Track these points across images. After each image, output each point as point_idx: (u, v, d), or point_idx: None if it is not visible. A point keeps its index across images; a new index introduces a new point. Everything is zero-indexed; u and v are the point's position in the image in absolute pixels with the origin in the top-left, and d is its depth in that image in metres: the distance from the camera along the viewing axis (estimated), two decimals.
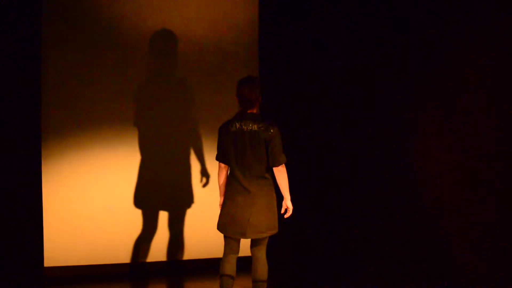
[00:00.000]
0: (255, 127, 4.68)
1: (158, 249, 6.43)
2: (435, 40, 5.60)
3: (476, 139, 5.20)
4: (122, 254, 6.32)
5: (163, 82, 6.43)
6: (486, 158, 5.12)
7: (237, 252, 4.81)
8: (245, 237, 4.71)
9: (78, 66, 6.15)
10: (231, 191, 4.73)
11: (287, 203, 4.81)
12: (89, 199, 6.21)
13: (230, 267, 4.77)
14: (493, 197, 5.05)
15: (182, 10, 6.44)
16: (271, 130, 4.68)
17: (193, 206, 6.48)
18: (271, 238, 4.83)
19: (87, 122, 6.18)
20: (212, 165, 6.31)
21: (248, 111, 4.72)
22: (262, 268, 4.79)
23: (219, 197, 4.94)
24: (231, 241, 4.78)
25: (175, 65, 6.46)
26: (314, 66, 6.83)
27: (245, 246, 4.97)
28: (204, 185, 6.45)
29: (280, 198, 4.83)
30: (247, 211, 4.67)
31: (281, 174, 4.76)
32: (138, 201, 6.33)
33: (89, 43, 6.18)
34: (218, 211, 4.91)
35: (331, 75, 6.74)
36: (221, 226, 4.78)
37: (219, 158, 4.82)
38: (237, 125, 4.69)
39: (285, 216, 4.84)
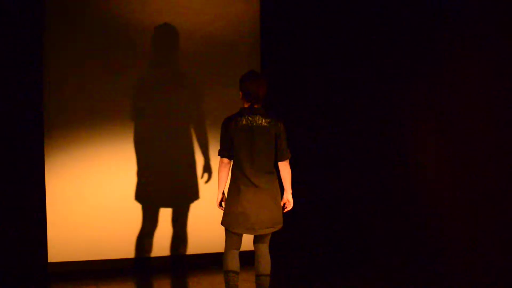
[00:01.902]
0: (264, 122, 4.67)
1: (162, 244, 6.44)
2: (433, 41, 5.61)
3: (473, 138, 5.22)
4: (126, 249, 6.34)
5: (165, 78, 6.43)
6: (482, 156, 5.13)
7: (240, 247, 4.81)
8: (254, 232, 4.69)
9: (80, 63, 6.15)
10: (238, 186, 4.67)
11: (289, 197, 4.82)
12: (93, 194, 6.22)
13: (234, 263, 4.76)
14: (490, 195, 5.07)
15: (183, 6, 6.43)
16: (279, 125, 4.70)
17: (196, 201, 6.49)
18: (274, 233, 4.83)
19: (89, 119, 6.19)
20: (215, 160, 6.31)
21: (255, 106, 4.71)
22: (265, 263, 4.80)
23: (218, 193, 4.83)
24: (234, 237, 4.77)
25: (177, 61, 6.46)
26: (316, 61, 6.83)
27: (246, 241, 4.97)
28: (207, 180, 6.46)
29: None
30: (257, 206, 4.65)
31: (287, 168, 4.79)
32: (142, 197, 6.34)
33: (90, 40, 6.17)
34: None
35: (332, 71, 6.75)
36: (228, 222, 4.72)
37: (223, 153, 4.75)
38: (247, 120, 4.67)
39: (285, 210, 4.85)
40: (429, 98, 5.66)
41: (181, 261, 6.51)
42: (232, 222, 4.70)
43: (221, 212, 4.84)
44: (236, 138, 4.66)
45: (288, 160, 4.78)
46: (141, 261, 6.39)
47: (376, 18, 6.27)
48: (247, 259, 5.28)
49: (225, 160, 4.75)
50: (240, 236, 4.78)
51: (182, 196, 6.48)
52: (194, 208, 6.50)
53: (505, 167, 4.90)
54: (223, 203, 4.83)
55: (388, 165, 6.20)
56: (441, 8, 5.50)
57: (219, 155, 4.78)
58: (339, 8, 6.67)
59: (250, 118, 4.67)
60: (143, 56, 6.32)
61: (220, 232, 4.99)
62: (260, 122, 4.67)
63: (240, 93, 4.75)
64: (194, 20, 6.46)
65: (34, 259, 6.05)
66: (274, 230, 4.75)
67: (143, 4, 6.32)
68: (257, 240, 4.82)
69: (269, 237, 4.81)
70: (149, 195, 6.37)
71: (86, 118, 6.18)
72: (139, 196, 6.33)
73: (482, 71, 5.10)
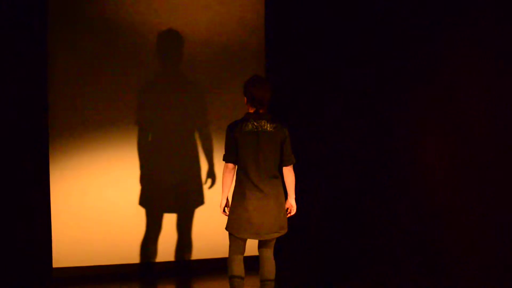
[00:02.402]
0: (270, 127, 4.67)
1: (166, 249, 6.44)
2: (435, 40, 5.60)
3: (472, 140, 5.22)
4: (131, 254, 6.34)
5: (169, 82, 6.44)
6: (484, 158, 5.13)
7: (244, 252, 4.80)
8: (259, 237, 4.68)
9: (84, 67, 6.17)
10: (244, 191, 4.66)
11: (292, 202, 4.83)
12: (97, 199, 6.22)
13: (239, 268, 4.75)
14: (490, 196, 5.07)
15: (187, 11, 6.44)
16: (284, 130, 4.70)
17: (201, 206, 6.49)
18: (278, 237, 4.82)
19: (94, 123, 6.20)
20: (220, 165, 6.30)
21: (261, 111, 4.70)
22: (270, 268, 4.79)
23: (222, 199, 4.81)
24: (239, 242, 4.76)
25: (181, 65, 6.46)
26: (320, 65, 6.83)
27: (250, 246, 4.95)
28: (211, 186, 6.45)
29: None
30: (262, 211, 4.64)
31: (291, 173, 4.80)
32: (146, 202, 6.34)
33: (95, 44, 6.19)
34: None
35: (337, 75, 6.74)
36: (233, 227, 4.70)
37: (228, 158, 4.73)
38: (253, 125, 4.66)
39: (288, 215, 4.84)
40: (433, 99, 5.66)
41: (185, 267, 6.50)
42: (237, 227, 4.69)
43: (226, 217, 4.83)
44: (242, 143, 4.65)
45: (292, 165, 4.79)
46: (146, 267, 6.38)
47: (380, 21, 6.27)
48: (251, 264, 5.27)
49: (230, 165, 4.73)
50: (245, 241, 4.77)
51: (187, 201, 6.48)
52: (199, 213, 6.49)
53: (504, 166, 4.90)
54: (226, 209, 4.82)
55: (390, 167, 6.20)
56: (443, 8, 5.50)
57: (223, 160, 4.77)
58: (344, 13, 6.67)
59: (256, 123, 4.66)
60: (147, 60, 6.33)
61: (225, 238, 4.98)
62: (265, 127, 4.67)
63: (245, 98, 4.74)
64: (199, 25, 6.47)
65: (38, 265, 6.04)
66: (279, 235, 4.75)
67: (148, 8, 6.33)
68: (261, 245, 4.82)
69: (273, 242, 4.81)
70: (154, 200, 6.37)
71: (91, 122, 6.19)
72: (143, 201, 6.33)
73: (480, 72, 5.10)
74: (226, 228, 4.77)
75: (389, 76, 6.18)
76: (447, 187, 5.52)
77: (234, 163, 4.72)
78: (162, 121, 6.40)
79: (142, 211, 6.34)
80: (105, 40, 6.22)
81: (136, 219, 6.32)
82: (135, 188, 6.31)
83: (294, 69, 6.87)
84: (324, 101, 6.84)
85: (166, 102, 6.41)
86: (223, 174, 4.75)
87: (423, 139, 5.80)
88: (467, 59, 5.24)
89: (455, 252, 5.47)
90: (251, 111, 4.72)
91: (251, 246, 5.03)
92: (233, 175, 4.76)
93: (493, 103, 5.00)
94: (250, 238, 4.71)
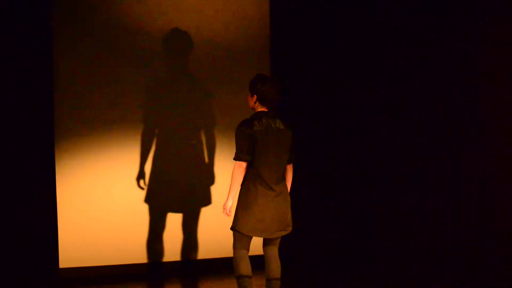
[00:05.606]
0: (282, 125, 4.65)
1: (173, 249, 6.44)
2: (442, 40, 5.61)
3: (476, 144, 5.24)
4: (137, 254, 6.34)
5: (174, 81, 6.45)
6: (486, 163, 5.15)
7: (249, 250, 4.76)
8: (269, 235, 4.65)
9: (89, 67, 6.18)
10: (255, 190, 4.58)
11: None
12: (104, 199, 6.23)
13: (247, 267, 4.69)
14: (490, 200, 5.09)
15: (193, 11, 6.45)
16: (291, 129, 4.70)
17: (207, 206, 6.48)
18: (284, 236, 4.80)
19: (100, 122, 6.21)
20: (225, 164, 6.27)
21: (272, 110, 4.68)
22: (276, 266, 4.76)
23: (229, 199, 4.64)
24: (246, 240, 4.70)
25: (186, 65, 6.47)
26: (326, 64, 6.84)
27: (254, 245, 4.90)
28: (212, 184, 6.45)
29: None
30: (273, 210, 4.60)
31: (291, 171, 4.80)
32: (152, 202, 6.34)
33: (100, 44, 6.20)
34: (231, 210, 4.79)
35: (342, 73, 6.75)
36: (243, 226, 4.62)
37: (242, 157, 4.57)
38: (268, 123, 4.60)
39: None
40: (444, 100, 5.68)
41: (192, 266, 6.50)
42: (247, 226, 4.61)
43: (231, 216, 4.76)
44: (259, 141, 4.57)
45: (292, 164, 4.78)
46: (152, 266, 6.38)
47: (386, 20, 6.28)
48: (255, 263, 5.25)
49: (244, 164, 4.58)
50: (251, 238, 4.75)
51: (193, 200, 6.48)
52: (205, 213, 6.49)
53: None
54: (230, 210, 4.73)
55: (392, 167, 6.22)
56: (449, 9, 5.51)
57: (236, 159, 4.60)
58: (349, 11, 6.68)
59: (270, 121, 4.62)
60: (153, 60, 6.34)
61: (230, 237, 4.95)
62: (278, 125, 4.64)
63: (254, 96, 4.68)
64: (204, 25, 6.48)
65: (45, 265, 6.06)
66: (286, 233, 4.73)
67: (153, 8, 6.33)
68: (267, 242, 4.78)
69: (279, 240, 4.79)
70: (160, 200, 6.37)
71: (96, 123, 6.20)
72: (150, 201, 6.33)
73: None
74: (234, 227, 4.67)
75: (397, 75, 6.17)
76: (450, 190, 5.54)
77: (248, 161, 4.59)
78: (168, 121, 6.40)
79: (148, 211, 6.34)
80: (110, 40, 6.23)
81: (142, 219, 6.33)
82: (142, 189, 6.31)
83: (299, 67, 6.87)
84: (330, 99, 6.84)
85: (171, 102, 6.42)
86: (234, 173, 4.60)
87: (424, 139, 5.82)
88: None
89: (457, 253, 5.49)
90: (263, 109, 4.69)
91: (255, 245, 4.99)
92: (244, 174, 4.66)
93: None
94: (259, 236, 4.66)
